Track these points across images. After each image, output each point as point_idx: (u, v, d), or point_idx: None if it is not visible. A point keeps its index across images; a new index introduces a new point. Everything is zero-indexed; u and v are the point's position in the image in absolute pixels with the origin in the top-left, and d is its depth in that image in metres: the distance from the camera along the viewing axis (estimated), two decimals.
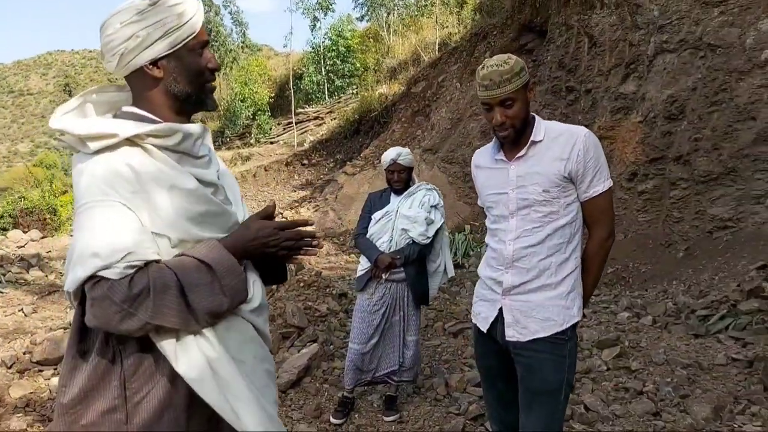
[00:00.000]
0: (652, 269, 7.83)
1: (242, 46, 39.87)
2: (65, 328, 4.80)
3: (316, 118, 25.54)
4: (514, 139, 2.23)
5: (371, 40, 28.52)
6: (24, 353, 4.59)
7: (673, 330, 5.57)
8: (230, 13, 39.08)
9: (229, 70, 34.86)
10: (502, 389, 2.43)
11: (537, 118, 2.29)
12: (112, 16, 1.46)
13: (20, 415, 3.98)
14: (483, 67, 2.19)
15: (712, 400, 4.03)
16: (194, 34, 1.49)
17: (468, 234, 11.21)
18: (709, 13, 8.57)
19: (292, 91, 27.95)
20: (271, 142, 26.06)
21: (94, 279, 1.28)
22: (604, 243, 2.26)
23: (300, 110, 26.66)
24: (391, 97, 19.05)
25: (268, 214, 1.59)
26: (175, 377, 1.40)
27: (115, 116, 1.51)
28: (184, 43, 1.47)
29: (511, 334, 2.26)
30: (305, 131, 24.96)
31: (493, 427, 2.54)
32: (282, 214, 15.40)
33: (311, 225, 1.68)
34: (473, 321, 2.48)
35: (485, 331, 2.37)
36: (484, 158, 2.45)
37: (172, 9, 1.44)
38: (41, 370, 4.44)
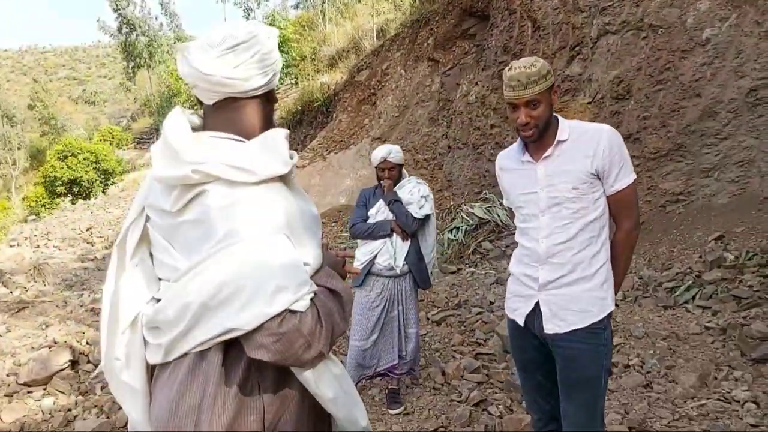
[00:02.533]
0: None
1: (176, 39, 38.80)
2: (50, 347, 4.63)
3: None
4: (537, 139, 2.31)
5: (305, 28, 28.20)
6: (8, 375, 4.42)
7: (643, 303, 5.83)
8: (161, 3, 37.90)
9: (159, 65, 33.92)
10: (541, 380, 2.53)
11: (560, 118, 2.38)
12: (262, 36, 1.47)
13: None
14: (510, 69, 2.27)
15: (696, 368, 4.28)
16: None
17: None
18: None
19: None
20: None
21: (282, 314, 1.28)
22: (632, 233, 2.38)
23: None
24: (333, 86, 18.93)
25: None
26: (303, 399, 1.44)
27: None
28: None
29: (550, 327, 2.34)
30: None
31: (534, 416, 2.63)
32: None
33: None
34: (509, 315, 2.55)
35: (522, 325, 2.45)
36: (509, 160, 2.53)
37: None
38: (30, 392, 4.29)
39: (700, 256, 6.15)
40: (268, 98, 1.54)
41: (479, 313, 5.96)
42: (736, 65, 7.52)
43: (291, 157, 1.46)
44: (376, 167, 4.11)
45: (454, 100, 13.68)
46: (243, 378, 1.37)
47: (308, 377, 1.40)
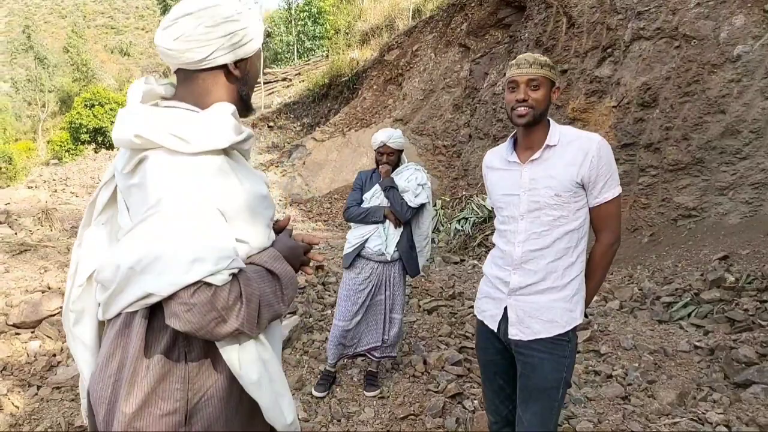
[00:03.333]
0: (618, 252, 8.06)
1: None
2: (43, 291, 4.72)
3: (284, 79, 25.14)
4: (529, 124, 2.26)
5: (343, 1, 28.04)
6: None
7: (638, 315, 5.80)
8: None
9: None
10: (502, 383, 2.52)
11: (552, 122, 2.34)
12: (210, 8, 1.46)
13: None
14: (516, 58, 2.29)
15: (677, 386, 4.25)
16: (260, 42, 1.58)
17: (439, 209, 11.30)
18: (686, 3, 8.71)
19: (261, 49, 27.42)
20: None
21: (197, 284, 1.27)
22: (611, 248, 2.33)
23: (268, 71, 26.19)
24: (362, 62, 18.85)
25: (293, 236, 1.67)
26: (233, 375, 1.43)
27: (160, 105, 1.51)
28: (257, 49, 1.57)
29: (514, 332, 2.32)
30: (272, 92, 24.58)
31: (491, 418, 2.63)
32: None
33: (320, 245, 1.75)
34: (478, 316, 2.54)
35: (493, 329, 2.42)
36: (496, 159, 2.49)
37: (254, 15, 1.53)
38: (18, 333, 4.38)
39: (702, 274, 6.08)
40: (230, 72, 1.51)
41: (471, 307, 5.95)
42: (764, 85, 7.37)
43: (240, 133, 1.45)
44: (375, 150, 4.10)
45: (481, 89, 13.57)
46: (169, 345, 1.39)
47: (231, 355, 1.39)
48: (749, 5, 7.92)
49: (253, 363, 1.42)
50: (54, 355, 4.23)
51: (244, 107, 1.59)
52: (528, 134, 2.31)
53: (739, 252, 6.31)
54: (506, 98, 2.31)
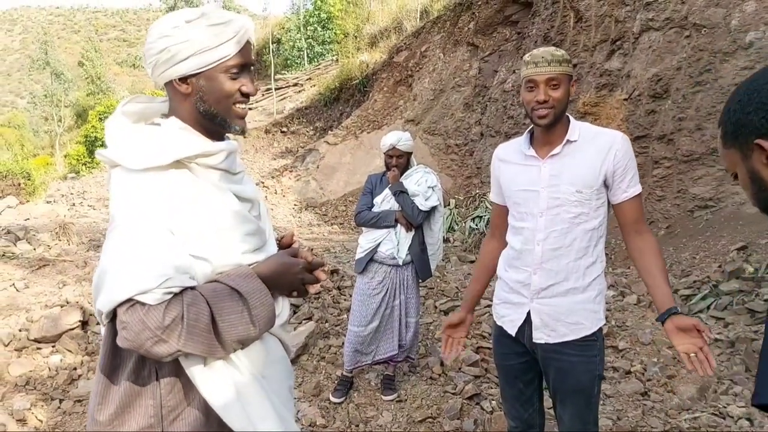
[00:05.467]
0: None
1: (225, 6, 39.16)
2: (62, 306, 4.78)
3: (295, 84, 25.22)
4: (550, 124, 2.20)
5: (351, 5, 28.08)
6: (20, 330, 4.57)
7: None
8: None
9: None
10: (522, 387, 2.49)
11: (571, 118, 2.29)
12: (154, 26, 1.46)
13: (22, 393, 4.00)
14: (530, 55, 2.21)
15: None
16: (228, 57, 1.45)
17: (453, 208, 11.28)
18: None
19: (271, 56, 27.53)
20: (249, 109, 25.59)
21: (130, 302, 1.27)
22: (655, 240, 2.23)
23: (279, 76, 26.30)
24: (372, 65, 18.86)
25: (295, 252, 1.60)
26: None
27: (153, 124, 1.52)
28: (215, 64, 1.45)
29: (539, 336, 2.29)
30: (284, 98, 24.67)
31: (510, 423, 2.60)
32: (263, 183, 15.34)
33: (325, 266, 1.68)
34: (497, 322, 2.49)
35: (512, 334, 2.38)
36: (511, 153, 2.41)
37: (208, 29, 1.43)
38: (39, 348, 4.45)
39: (720, 266, 6.01)
40: (175, 88, 1.49)
41: (488, 306, 5.93)
42: None
43: (194, 148, 1.43)
44: (384, 153, 4.10)
45: (491, 87, 13.53)
46: (138, 361, 1.41)
47: (196, 376, 1.39)
48: None
49: (221, 385, 1.40)
50: (75, 369, 4.29)
51: (211, 124, 1.52)
52: (548, 131, 2.24)
53: (757, 242, 6.23)
54: (524, 97, 2.24)
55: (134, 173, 1.37)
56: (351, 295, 5.73)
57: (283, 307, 1.59)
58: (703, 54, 8.16)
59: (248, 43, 1.51)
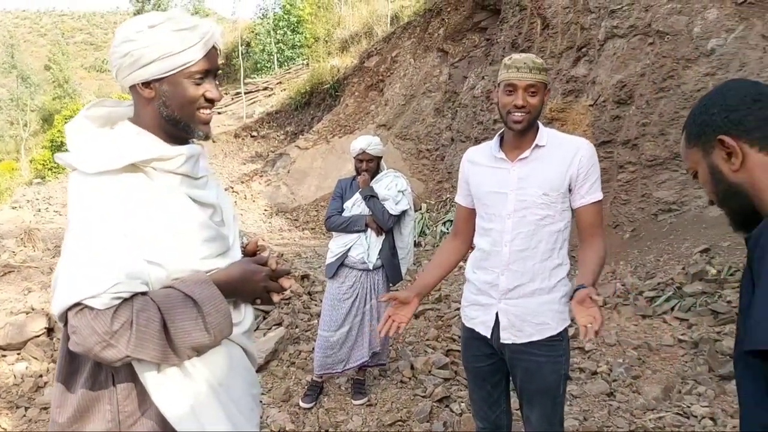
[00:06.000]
0: None
1: (195, 10, 38.84)
2: (27, 313, 4.70)
3: (265, 89, 25.14)
4: (523, 130, 2.26)
5: (322, 9, 28.10)
6: None
7: (622, 311, 5.85)
8: None
9: None
10: (490, 389, 2.52)
11: (540, 124, 2.35)
12: (119, 30, 1.45)
13: None
14: (510, 58, 2.26)
15: (662, 380, 4.31)
16: (192, 62, 1.44)
17: (424, 212, 11.34)
18: (658, 0, 8.83)
19: (241, 59, 27.38)
20: (218, 113, 25.50)
21: (78, 306, 1.27)
22: (603, 247, 2.30)
23: (249, 80, 26.19)
24: (343, 70, 18.90)
25: (263, 261, 1.59)
26: None
27: (113, 128, 1.50)
28: (179, 69, 1.44)
29: (507, 336, 2.33)
30: (254, 102, 24.57)
31: (479, 424, 2.63)
32: (233, 188, 15.24)
33: (292, 274, 1.66)
34: (466, 324, 2.52)
35: (487, 335, 2.40)
36: (481, 156, 2.46)
37: (172, 34, 1.42)
38: (4, 355, 4.36)
39: (683, 268, 6.15)
40: (138, 92, 1.48)
41: (458, 309, 5.97)
42: (739, 78, 7.45)
43: (151, 152, 1.43)
44: (354, 158, 4.12)
45: (461, 93, 13.66)
46: (95, 366, 1.40)
47: (148, 382, 1.38)
48: None
49: (174, 392, 1.39)
50: (40, 376, 4.22)
51: (174, 129, 1.51)
52: (519, 136, 2.30)
53: (720, 244, 6.39)
54: (502, 100, 2.28)
55: (90, 177, 1.36)
56: (322, 300, 5.74)
57: (245, 314, 1.59)
58: (666, 61, 8.35)
59: (214, 48, 1.49)
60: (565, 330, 2.36)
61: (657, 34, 8.61)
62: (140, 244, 1.35)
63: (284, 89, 23.71)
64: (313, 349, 4.59)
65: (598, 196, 2.29)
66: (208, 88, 1.49)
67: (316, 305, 5.81)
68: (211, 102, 1.51)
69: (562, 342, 2.34)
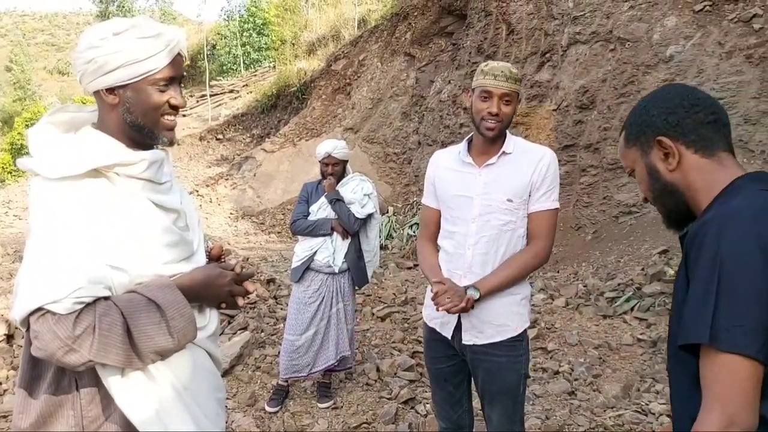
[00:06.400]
0: (563, 251, 8.30)
1: (161, 12, 38.38)
2: None
3: (231, 91, 24.97)
4: (494, 138, 2.33)
5: (288, 12, 28.00)
6: None
7: (584, 311, 5.98)
8: None
9: None
10: (452, 390, 2.57)
11: (507, 132, 2.41)
12: (84, 36, 1.45)
13: None
14: (487, 65, 2.32)
15: (621, 379, 4.41)
16: (157, 70, 1.45)
17: (391, 216, 11.39)
18: (620, 7, 9.05)
19: (206, 62, 27.13)
20: (183, 115, 25.25)
21: (41, 311, 1.27)
22: (540, 253, 2.37)
23: (214, 83, 25.98)
24: (310, 73, 18.87)
25: (229, 267, 1.60)
26: None
27: (76, 133, 1.51)
28: (143, 76, 1.45)
29: (468, 338, 2.38)
30: (220, 105, 24.37)
31: (441, 424, 2.68)
32: (198, 191, 15.09)
33: (256, 277, 1.67)
34: (428, 324, 2.56)
35: (448, 337, 2.45)
36: (449, 159, 2.51)
37: (137, 42, 1.42)
38: None
39: (643, 269, 6.30)
40: (102, 98, 1.49)
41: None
42: (696, 83, 7.68)
43: (110, 158, 1.43)
44: (320, 161, 4.14)
45: (427, 97, 13.76)
46: (58, 372, 1.41)
47: (112, 387, 1.39)
48: (680, 7, 8.28)
49: (139, 397, 1.40)
50: (0, 384, 4.14)
51: (138, 135, 1.51)
52: (488, 142, 2.36)
53: (678, 245, 6.53)
54: (476, 105, 2.32)
55: (51, 182, 1.36)
56: (288, 304, 5.74)
57: (210, 319, 1.60)
58: (626, 67, 8.55)
59: (179, 55, 1.51)
60: (525, 331, 2.43)
61: (618, 40, 8.82)
62: (103, 249, 1.36)
63: (250, 92, 23.58)
64: (279, 353, 4.59)
65: (550, 204, 2.35)
66: (173, 95, 1.50)
67: (281, 309, 5.80)
68: (175, 108, 1.52)
69: (522, 342, 2.41)
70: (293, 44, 24.46)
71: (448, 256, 2.46)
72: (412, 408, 4.09)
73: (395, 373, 4.56)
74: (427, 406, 4.07)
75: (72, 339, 1.27)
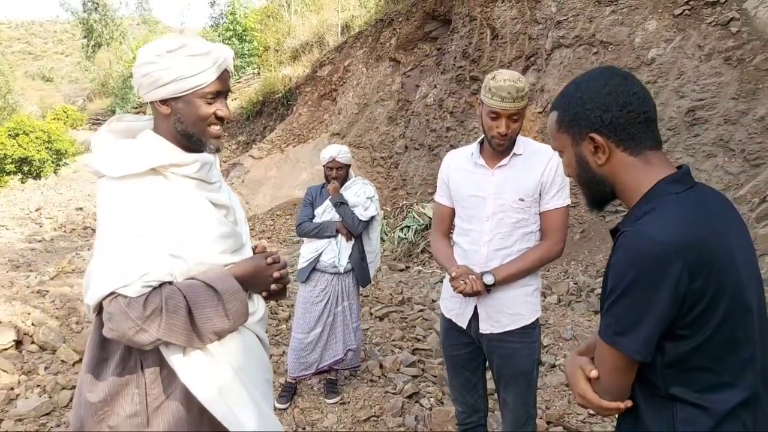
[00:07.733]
0: None
1: (142, 20, 38.25)
2: None
3: None
4: (505, 150, 2.50)
5: (271, 18, 28.05)
6: None
7: (575, 307, 6.17)
8: None
9: (119, 45, 33.36)
10: (468, 375, 2.75)
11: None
12: (142, 51, 1.63)
13: None
14: (494, 79, 2.40)
15: None
16: (205, 84, 1.61)
17: (381, 219, 11.51)
18: (602, 11, 9.29)
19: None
20: None
21: (112, 295, 1.44)
22: (553, 248, 2.52)
23: None
24: (295, 79, 18.96)
25: (276, 259, 1.77)
26: None
27: (135, 138, 1.68)
28: (192, 90, 1.61)
29: (485, 327, 2.57)
30: None
31: (458, 408, 2.86)
32: None
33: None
34: (445, 315, 2.75)
35: (463, 326, 2.63)
36: (462, 160, 2.67)
37: (188, 59, 1.59)
38: None
39: None
40: (157, 108, 1.66)
41: (421, 311, 6.20)
42: (677, 85, 7.93)
43: (166, 159, 1.60)
44: (324, 166, 4.28)
45: (413, 101, 13.92)
46: (125, 353, 1.57)
47: (177, 366, 1.54)
48: (660, 11, 8.53)
49: (200, 374, 1.56)
50: (12, 389, 4.21)
51: (188, 142, 1.67)
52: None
53: None
54: (485, 121, 2.46)
55: (115, 181, 1.54)
56: (289, 306, 5.87)
57: (258, 305, 1.76)
58: None
59: (226, 71, 1.68)
60: (537, 320, 2.61)
61: (601, 44, 9.06)
62: (164, 239, 1.53)
63: (235, 98, 23.56)
64: (284, 352, 4.73)
65: (562, 202, 2.52)
66: (219, 107, 1.67)
67: (283, 311, 5.93)
68: (221, 119, 1.69)
69: (534, 330, 2.60)
70: (277, 51, 24.52)
71: (464, 253, 2.63)
72: (417, 402, 4.24)
73: (398, 370, 4.70)
74: (431, 399, 4.23)
75: (142, 319, 1.43)
